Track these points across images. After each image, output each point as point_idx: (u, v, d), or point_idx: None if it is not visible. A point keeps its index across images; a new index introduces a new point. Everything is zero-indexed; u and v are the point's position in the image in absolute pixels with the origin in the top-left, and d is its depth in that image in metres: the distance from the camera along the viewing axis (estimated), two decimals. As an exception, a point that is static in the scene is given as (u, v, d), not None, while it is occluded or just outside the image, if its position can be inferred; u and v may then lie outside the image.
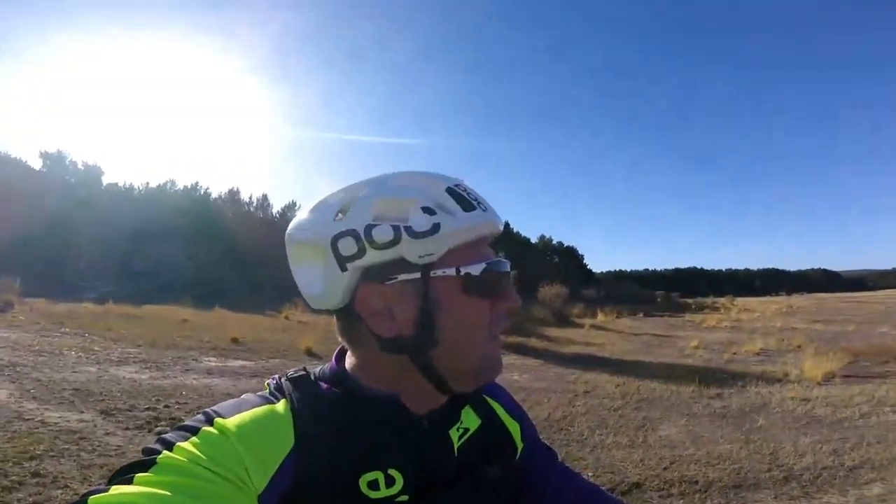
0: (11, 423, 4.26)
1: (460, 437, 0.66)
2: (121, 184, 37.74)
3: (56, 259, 24.00)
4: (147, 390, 5.87)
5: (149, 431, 4.48)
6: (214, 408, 0.56)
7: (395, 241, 0.55)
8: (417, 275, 0.56)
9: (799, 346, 10.90)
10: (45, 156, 35.76)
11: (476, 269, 0.57)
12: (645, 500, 3.46)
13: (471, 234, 0.58)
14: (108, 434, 4.31)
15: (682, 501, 3.40)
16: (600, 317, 21.79)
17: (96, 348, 8.36)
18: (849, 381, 7.04)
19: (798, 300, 40.47)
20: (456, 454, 0.64)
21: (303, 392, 0.59)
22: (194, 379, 6.74)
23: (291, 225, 0.63)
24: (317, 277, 0.59)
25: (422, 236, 0.55)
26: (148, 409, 5.13)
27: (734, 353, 10.65)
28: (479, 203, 0.59)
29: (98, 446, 3.97)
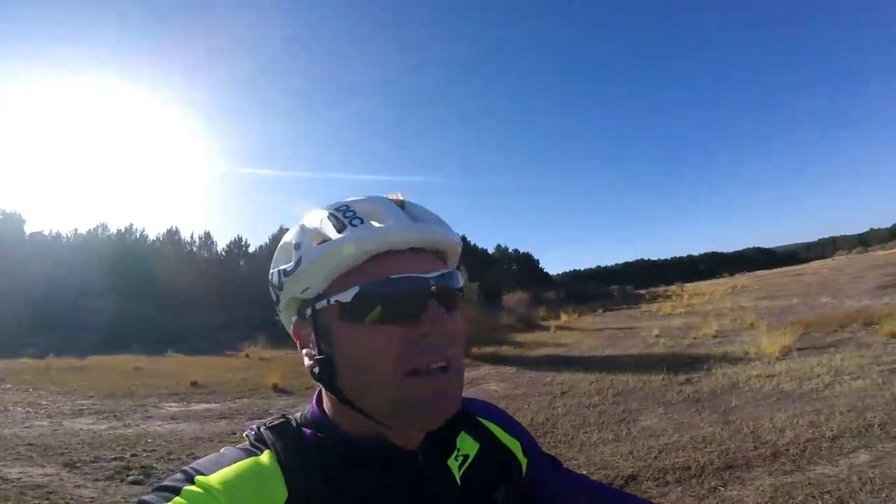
0: (-30, 483, 4.00)
1: (460, 466, 0.64)
2: (46, 232, 35.43)
3: (-17, 316, 22.14)
4: (109, 440, 5.60)
5: (121, 481, 4.28)
6: (193, 465, 0.52)
7: (280, 286, 0.58)
8: (309, 310, 0.57)
9: (752, 324, 11.39)
10: (-45, 208, 32.89)
11: (348, 296, 0.53)
12: (643, 492, 3.47)
13: (344, 256, 0.54)
14: (77, 487, 4.09)
15: (679, 488, 3.43)
16: (564, 317, 22.21)
17: (44, 402, 7.89)
18: (805, 353, 7.38)
19: (741, 279, 42.81)
20: (459, 484, 0.62)
21: (287, 441, 0.55)
22: (158, 426, 6.42)
23: None
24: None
25: (290, 275, 0.56)
26: (115, 458, 4.89)
27: (694, 338, 11.05)
28: (354, 221, 0.55)
29: (71, 500, 3.80)
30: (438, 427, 0.57)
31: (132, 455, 5.02)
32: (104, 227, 37.50)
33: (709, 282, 52.02)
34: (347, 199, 0.58)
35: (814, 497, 3.00)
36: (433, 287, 0.54)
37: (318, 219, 0.56)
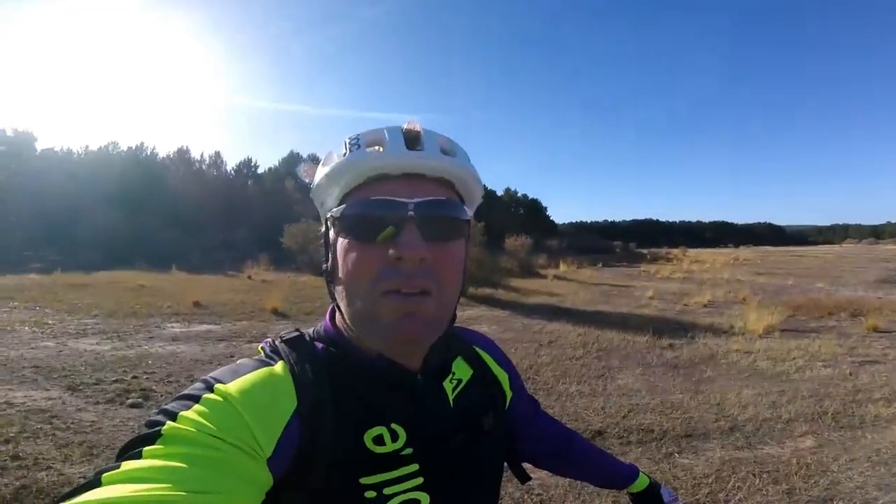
0: (-23, 407, 4.14)
1: (454, 389, 0.68)
2: (57, 149, 35.02)
3: (-7, 231, 22.21)
4: (111, 362, 5.71)
5: (120, 404, 4.38)
6: (213, 374, 0.56)
7: (313, 200, 0.66)
8: (324, 222, 0.65)
9: (744, 299, 11.49)
10: (-33, 123, 32.30)
11: (338, 211, 0.60)
12: (607, 447, 3.64)
13: (344, 177, 0.60)
14: (79, 410, 4.20)
15: (640, 449, 3.65)
16: (562, 267, 22.42)
17: (50, 321, 8.00)
18: (787, 335, 7.54)
19: (745, 252, 42.84)
20: (452, 405, 0.66)
21: (300, 353, 0.60)
22: (160, 347, 6.56)
23: None
24: None
25: (312, 190, 0.65)
26: (116, 381, 5.01)
27: (685, 305, 11.17)
28: (353, 147, 0.59)
29: (72, 424, 3.88)
30: (418, 351, 0.63)
31: (133, 377, 5.12)
32: (115, 144, 37.10)
33: (712, 250, 51.99)
34: (368, 129, 0.62)
35: (754, 475, 3.21)
36: (411, 212, 0.56)
37: (340, 145, 0.62)
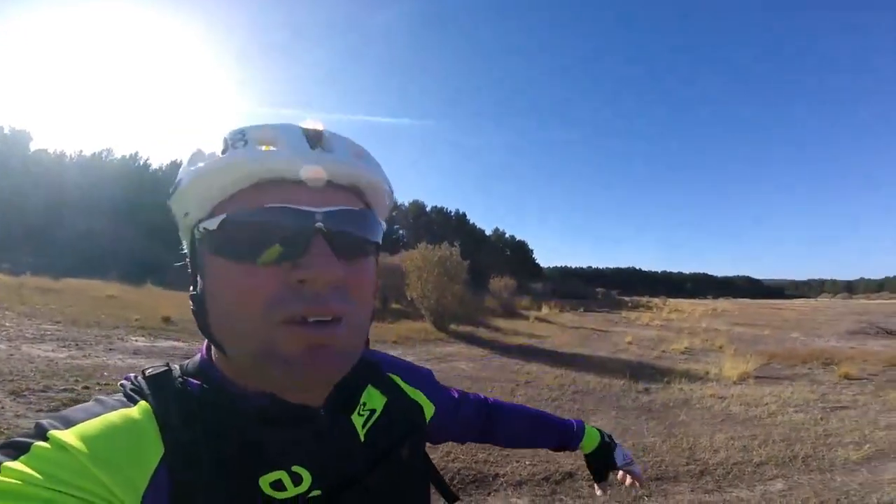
0: None
1: (366, 422, 0.61)
2: (51, 150, 35.29)
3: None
4: (64, 370, 5.45)
5: None
6: (52, 417, 0.45)
7: (170, 208, 0.53)
8: (188, 238, 0.52)
9: (720, 347, 11.58)
10: (-35, 119, 32.75)
11: (214, 223, 0.47)
12: (576, 489, 3.59)
13: (224, 179, 0.47)
14: (18, 416, 3.97)
15: (609, 491, 3.61)
16: (545, 310, 22.55)
17: (8, 324, 7.74)
18: (761, 381, 7.58)
19: (723, 304, 43.43)
20: (363, 440, 0.59)
21: (166, 392, 0.50)
22: (119, 359, 6.29)
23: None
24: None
25: (172, 195, 0.51)
26: (65, 390, 4.76)
27: (663, 351, 11.20)
28: (237, 144, 0.48)
29: (7, 429, 3.66)
30: (324, 386, 0.55)
31: (84, 387, 4.87)
32: (109, 151, 37.55)
33: (691, 300, 52.77)
34: (255, 124, 0.50)
35: (721, 518, 3.14)
36: (319, 224, 0.47)
37: (218, 139, 0.49)
